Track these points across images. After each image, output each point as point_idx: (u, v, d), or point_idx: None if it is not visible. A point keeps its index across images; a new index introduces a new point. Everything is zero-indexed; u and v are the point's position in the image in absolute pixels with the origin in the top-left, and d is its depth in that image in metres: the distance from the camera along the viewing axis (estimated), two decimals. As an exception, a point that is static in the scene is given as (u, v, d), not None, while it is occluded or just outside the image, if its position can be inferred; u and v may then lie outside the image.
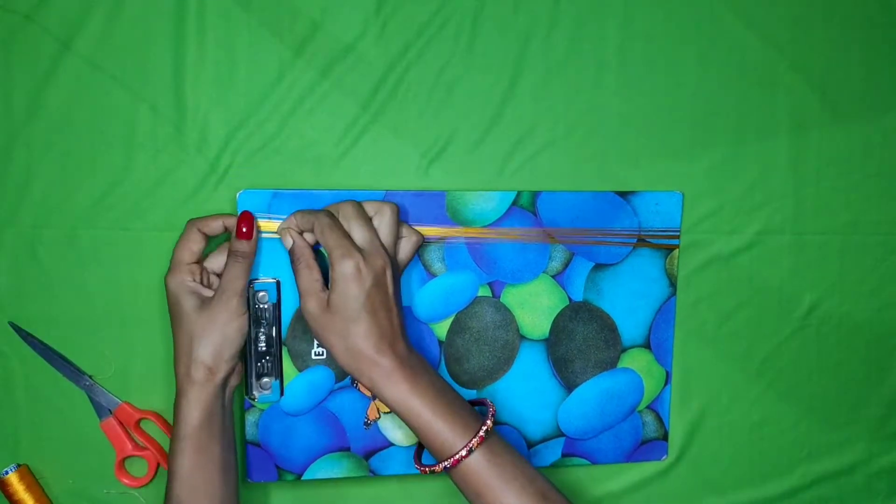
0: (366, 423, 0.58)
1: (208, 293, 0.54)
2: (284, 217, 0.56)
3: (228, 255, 0.54)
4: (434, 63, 0.58)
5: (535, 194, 0.58)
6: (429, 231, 0.58)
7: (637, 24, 0.59)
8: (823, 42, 0.60)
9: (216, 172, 0.58)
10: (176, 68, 0.57)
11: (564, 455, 0.61)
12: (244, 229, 0.54)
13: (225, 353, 0.53)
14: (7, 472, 0.58)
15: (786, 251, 0.61)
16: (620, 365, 0.60)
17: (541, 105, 0.59)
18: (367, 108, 0.58)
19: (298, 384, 0.58)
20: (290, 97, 0.58)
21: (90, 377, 0.58)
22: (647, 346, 0.60)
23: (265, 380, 0.57)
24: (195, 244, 0.54)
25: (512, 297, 0.59)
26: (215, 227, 0.55)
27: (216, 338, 0.52)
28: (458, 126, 0.59)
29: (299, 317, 0.57)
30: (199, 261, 0.55)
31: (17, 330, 0.58)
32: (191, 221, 0.55)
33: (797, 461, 0.63)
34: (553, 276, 0.59)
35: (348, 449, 0.58)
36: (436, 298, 0.59)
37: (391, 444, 0.59)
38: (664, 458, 0.62)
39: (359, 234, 0.52)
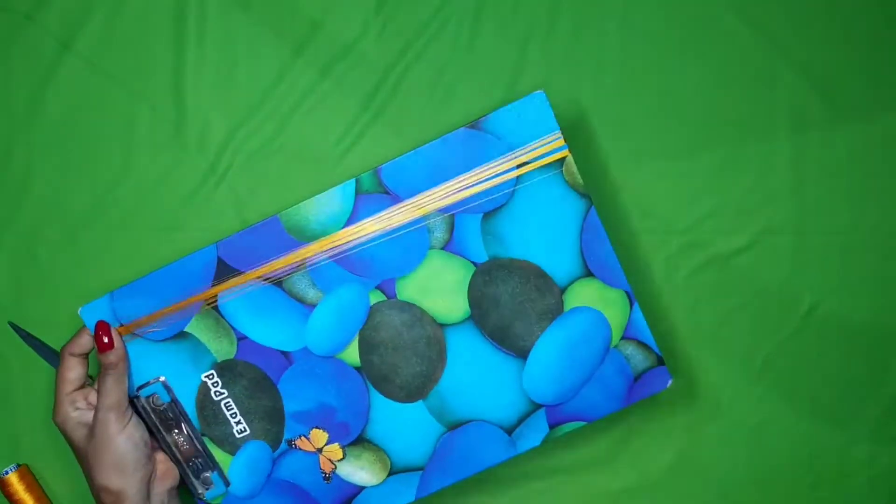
0: (325, 478, 0.54)
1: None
2: (134, 318, 0.52)
3: (99, 371, 0.51)
4: (434, 63, 0.58)
5: (376, 171, 0.51)
6: (282, 263, 0.52)
7: (637, 24, 0.59)
8: (823, 42, 0.60)
9: (216, 172, 0.58)
10: (176, 68, 0.57)
11: (552, 426, 0.54)
12: (105, 339, 0.51)
13: (126, 469, 0.50)
14: (7, 472, 0.58)
15: (786, 251, 0.61)
16: (568, 307, 0.53)
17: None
18: (367, 108, 0.58)
19: (238, 466, 0.54)
20: (290, 97, 0.58)
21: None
22: (588, 273, 0.53)
23: (205, 475, 0.54)
24: (71, 371, 0.51)
25: (409, 289, 0.52)
26: (84, 343, 0.52)
27: (108, 459, 0.50)
28: (458, 126, 0.59)
29: (203, 403, 0.53)
30: (84, 385, 0.52)
31: (17, 330, 0.58)
32: (63, 348, 0.52)
33: (797, 461, 0.63)
34: (443, 248, 0.52)
35: None
36: (328, 328, 0.53)
37: (361, 488, 0.55)
38: (669, 383, 0.55)
39: None
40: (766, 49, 0.60)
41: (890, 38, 0.60)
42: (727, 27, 0.59)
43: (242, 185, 0.58)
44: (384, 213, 0.52)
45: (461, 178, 0.52)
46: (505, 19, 0.59)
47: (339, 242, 0.52)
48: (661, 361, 0.55)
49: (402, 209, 0.52)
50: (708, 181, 0.60)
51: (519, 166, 0.51)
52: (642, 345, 0.54)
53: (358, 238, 0.52)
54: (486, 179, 0.52)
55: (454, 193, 0.52)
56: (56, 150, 0.57)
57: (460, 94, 0.59)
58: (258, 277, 0.52)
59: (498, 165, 0.51)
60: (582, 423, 0.55)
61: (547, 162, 0.52)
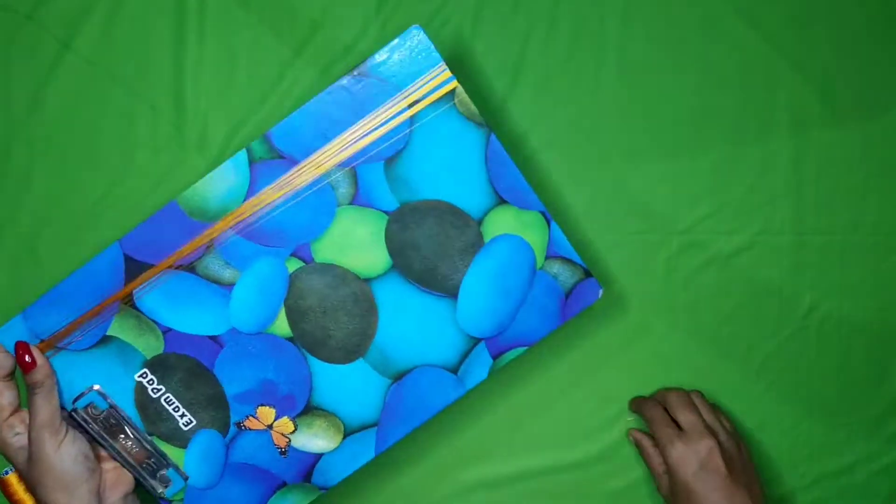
0: (281, 453, 0.54)
1: None
2: (53, 332, 0.50)
3: (28, 392, 0.50)
4: (434, 63, 0.58)
5: (266, 136, 0.50)
6: (191, 247, 0.51)
7: (637, 23, 0.59)
8: (823, 42, 0.60)
9: (216, 172, 0.58)
10: (176, 68, 0.57)
11: (495, 357, 0.53)
12: (27, 359, 0.50)
13: (69, 485, 0.49)
14: (7, 472, 0.58)
15: (786, 251, 0.61)
16: (488, 237, 0.52)
17: (541, 105, 0.59)
18: (367, 108, 0.58)
19: (193, 458, 0.53)
20: (290, 97, 0.58)
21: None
22: (501, 201, 0.52)
23: (161, 473, 0.53)
24: (2, 396, 0.50)
25: (325, 250, 0.51)
26: (4, 363, 0.50)
27: (49, 478, 0.49)
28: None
29: (143, 403, 0.52)
30: (18, 408, 0.50)
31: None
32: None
33: (797, 461, 0.63)
34: (351, 203, 0.51)
35: (284, 483, 0.54)
36: (251, 304, 0.52)
37: (320, 455, 0.54)
38: (600, 293, 0.54)
39: (683, 418, 0.57)
40: (766, 49, 0.60)
41: (889, 39, 0.60)
42: (727, 27, 0.59)
43: (242, 185, 0.58)
44: (283, 179, 0.50)
45: (355, 128, 0.50)
46: (505, 19, 0.59)
47: (244, 216, 0.51)
48: (588, 274, 0.54)
49: (301, 171, 0.50)
50: (708, 181, 0.60)
51: (411, 105, 0.50)
52: (567, 261, 0.53)
53: (262, 208, 0.50)
54: (381, 125, 0.50)
55: (351, 145, 0.50)
56: (56, 150, 0.57)
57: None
58: (170, 267, 0.51)
59: (389, 109, 0.50)
60: (523, 349, 0.54)
61: (438, 97, 0.50)
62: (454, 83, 0.50)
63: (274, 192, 0.50)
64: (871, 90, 0.60)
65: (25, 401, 0.51)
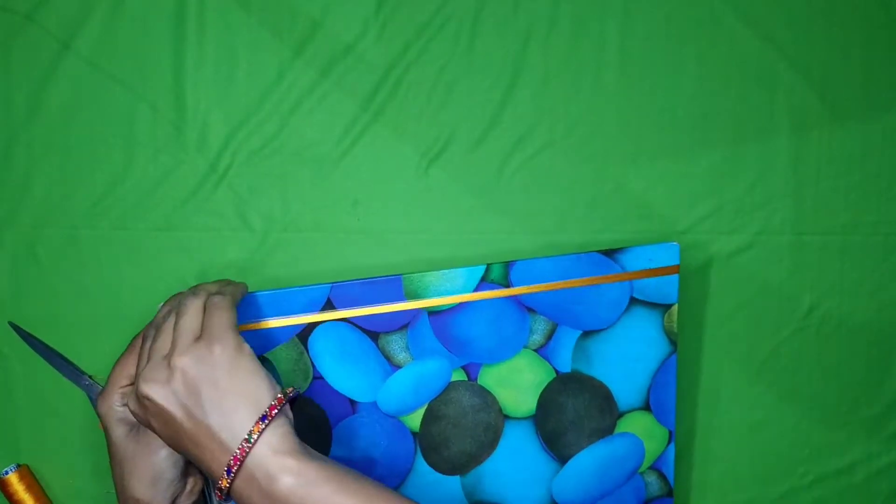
0: None
1: None
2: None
3: None
4: (434, 63, 0.58)
5: (508, 265, 0.54)
6: (386, 309, 0.54)
7: (637, 24, 0.59)
8: (823, 42, 0.60)
9: (216, 172, 0.58)
10: (176, 68, 0.57)
11: None
12: None
13: (159, 483, 0.48)
14: (7, 472, 0.58)
15: (786, 251, 0.61)
16: (618, 430, 0.57)
17: (541, 105, 0.59)
18: (367, 108, 0.58)
19: None
20: (290, 97, 0.58)
21: (90, 377, 0.58)
22: (646, 408, 0.57)
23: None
24: (133, 366, 0.49)
25: (490, 377, 0.55)
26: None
27: (145, 469, 0.48)
28: (458, 126, 0.59)
29: None
30: None
31: (17, 330, 0.58)
32: (136, 337, 0.50)
33: (797, 461, 0.63)
34: (535, 350, 0.55)
35: None
36: (403, 391, 0.55)
37: None
38: None
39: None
40: (766, 49, 0.60)
41: (889, 39, 0.60)
42: (727, 27, 0.59)
43: (242, 184, 0.58)
44: (499, 304, 0.54)
45: (581, 295, 0.55)
46: (505, 19, 0.59)
47: (443, 303, 0.54)
48: (670, 493, 0.59)
49: (516, 305, 0.54)
50: (708, 181, 0.60)
51: (631, 300, 0.55)
52: (663, 477, 0.59)
53: (464, 306, 0.54)
54: (600, 303, 0.55)
55: (567, 306, 0.55)
56: (56, 150, 0.57)
57: (460, 94, 0.59)
58: (350, 321, 0.53)
59: (615, 294, 0.55)
60: None
61: (656, 304, 0.56)
62: (674, 304, 0.56)
63: (475, 296, 0.54)
64: (871, 90, 0.60)
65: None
